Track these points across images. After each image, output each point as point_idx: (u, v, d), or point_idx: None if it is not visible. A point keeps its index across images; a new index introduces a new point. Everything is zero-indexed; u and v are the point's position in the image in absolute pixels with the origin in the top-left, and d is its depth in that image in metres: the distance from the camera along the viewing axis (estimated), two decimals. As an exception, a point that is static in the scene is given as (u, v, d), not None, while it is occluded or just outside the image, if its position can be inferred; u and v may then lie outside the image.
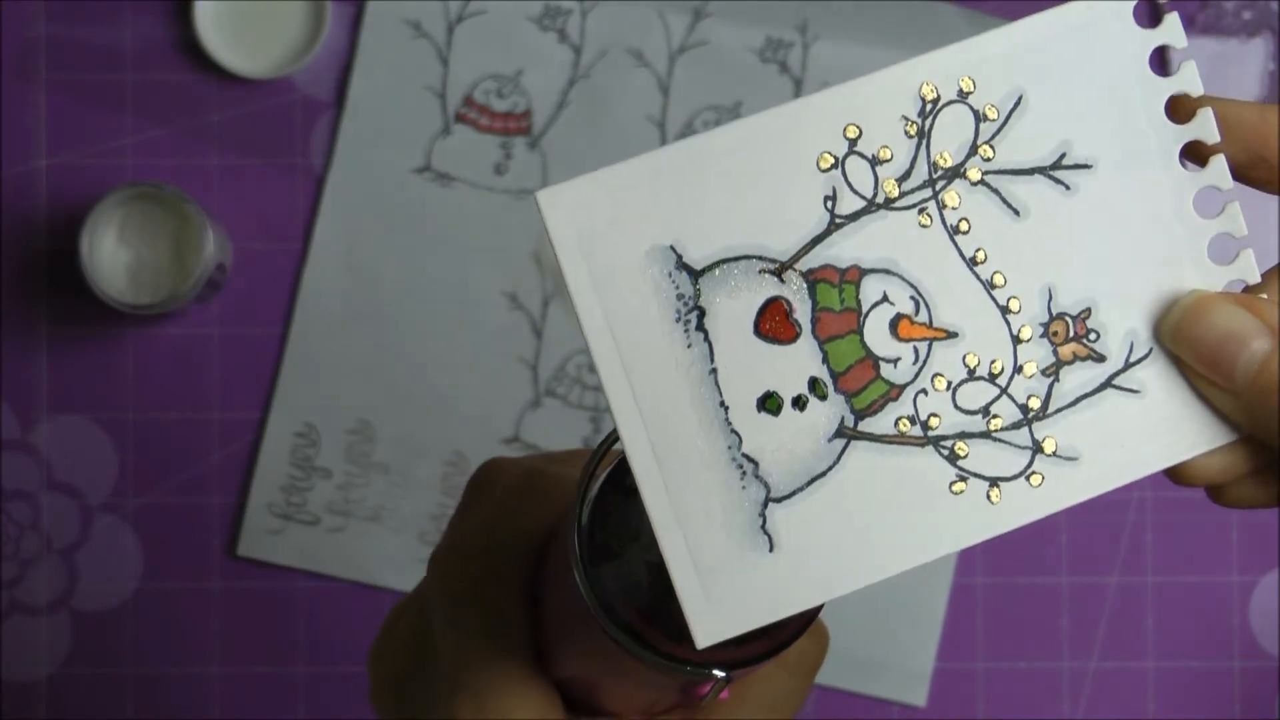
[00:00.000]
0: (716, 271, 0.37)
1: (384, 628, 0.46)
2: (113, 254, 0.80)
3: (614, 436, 0.37)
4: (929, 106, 0.37)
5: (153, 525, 0.84)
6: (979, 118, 0.37)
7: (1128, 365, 0.38)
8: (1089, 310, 0.38)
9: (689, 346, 0.36)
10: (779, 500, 0.36)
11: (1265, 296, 0.38)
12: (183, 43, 0.84)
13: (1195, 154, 0.37)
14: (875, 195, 0.37)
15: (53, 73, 0.84)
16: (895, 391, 0.37)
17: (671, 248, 0.36)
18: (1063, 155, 0.37)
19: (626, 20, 0.84)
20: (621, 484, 0.38)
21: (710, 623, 0.35)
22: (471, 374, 0.84)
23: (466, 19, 0.84)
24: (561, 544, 0.41)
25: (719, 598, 0.36)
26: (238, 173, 0.84)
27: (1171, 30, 0.37)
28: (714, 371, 0.36)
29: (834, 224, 0.37)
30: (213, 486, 0.84)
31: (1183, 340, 0.37)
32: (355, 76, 0.84)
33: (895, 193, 0.37)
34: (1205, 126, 0.37)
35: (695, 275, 0.36)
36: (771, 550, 0.36)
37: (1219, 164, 0.37)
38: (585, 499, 0.37)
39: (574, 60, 0.84)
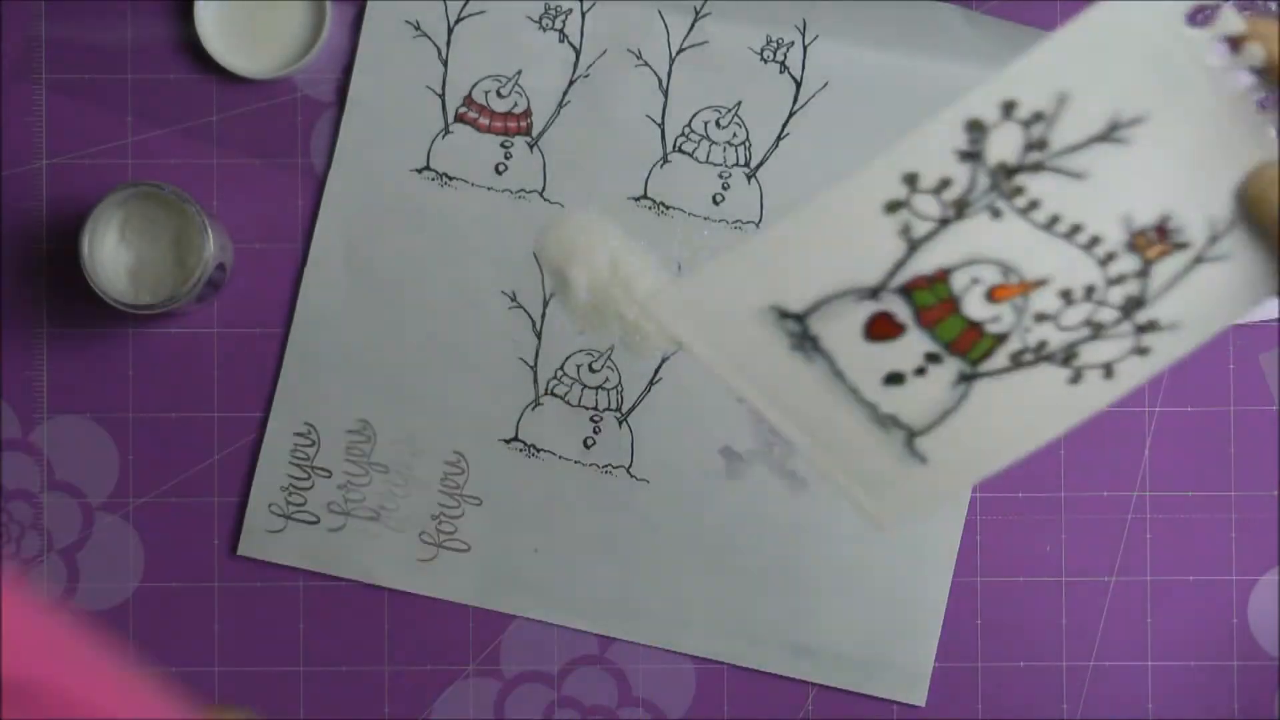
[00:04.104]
0: (819, 311, 0.42)
1: None
2: (113, 254, 0.80)
3: None
4: (977, 135, 0.41)
5: (153, 525, 0.84)
6: (1028, 123, 0.41)
7: (1213, 241, 0.42)
8: (1167, 217, 0.42)
9: (811, 364, 0.42)
10: (921, 433, 0.43)
11: None
12: (183, 43, 0.84)
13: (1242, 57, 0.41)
14: (944, 214, 0.41)
15: (53, 73, 0.84)
16: (1002, 338, 0.42)
17: (772, 307, 0.42)
18: (1115, 122, 0.41)
19: (626, 20, 0.84)
20: None
21: (890, 516, 0.44)
22: (471, 374, 0.84)
23: (466, 19, 0.84)
24: None
25: (891, 501, 0.44)
26: (238, 173, 0.84)
27: None
28: (839, 373, 0.42)
29: (913, 247, 0.42)
30: (213, 486, 0.84)
31: (1260, 209, 0.41)
32: (355, 76, 0.84)
33: (963, 205, 0.41)
34: (1252, 52, 0.41)
35: (800, 318, 0.42)
36: (925, 464, 0.43)
37: (1253, 50, 0.41)
38: None
39: (574, 60, 0.84)
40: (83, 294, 0.81)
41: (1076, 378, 0.42)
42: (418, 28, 0.84)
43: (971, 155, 0.40)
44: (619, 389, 0.84)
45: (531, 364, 0.84)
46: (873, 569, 0.83)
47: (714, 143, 0.84)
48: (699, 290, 0.42)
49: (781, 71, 0.84)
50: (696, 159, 0.84)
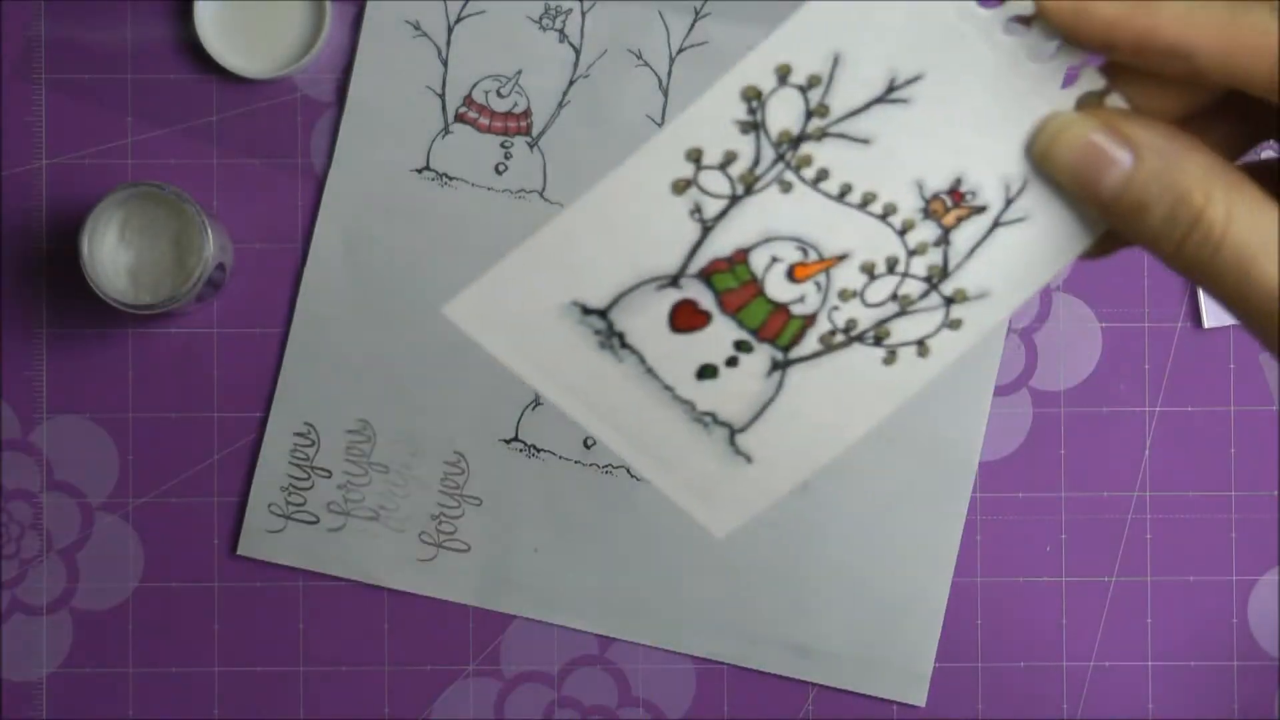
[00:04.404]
0: (620, 303, 0.41)
1: None
2: (113, 254, 0.80)
3: None
4: (755, 104, 0.40)
5: (153, 525, 0.84)
6: (805, 88, 0.40)
7: (1009, 203, 0.41)
8: (959, 179, 0.41)
9: (620, 362, 0.41)
10: (741, 430, 0.42)
11: (1124, 106, 0.40)
12: (183, 43, 0.84)
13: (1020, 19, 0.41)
14: (734, 190, 0.40)
15: (53, 73, 0.84)
16: (810, 320, 0.41)
17: (573, 303, 0.41)
18: (892, 81, 0.40)
19: (626, 20, 0.84)
20: None
21: (721, 522, 0.43)
22: (471, 374, 0.84)
23: (466, 19, 0.84)
24: None
25: (721, 504, 0.43)
26: (238, 173, 0.84)
27: None
28: (650, 370, 0.41)
29: (706, 228, 0.41)
30: (213, 486, 0.84)
31: (1050, 163, 0.40)
32: (355, 76, 0.84)
33: (751, 179, 0.40)
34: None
35: (602, 314, 0.41)
36: (751, 462, 0.42)
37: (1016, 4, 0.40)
38: None
39: (574, 60, 0.84)
40: (83, 294, 0.81)
41: (891, 357, 0.41)
42: (418, 28, 0.84)
43: (752, 126, 0.39)
44: (619, 389, 0.84)
45: (531, 364, 0.84)
46: (873, 569, 0.83)
47: (714, 143, 0.84)
48: (493, 290, 0.41)
49: (781, 71, 0.84)
50: (696, 159, 0.84)
